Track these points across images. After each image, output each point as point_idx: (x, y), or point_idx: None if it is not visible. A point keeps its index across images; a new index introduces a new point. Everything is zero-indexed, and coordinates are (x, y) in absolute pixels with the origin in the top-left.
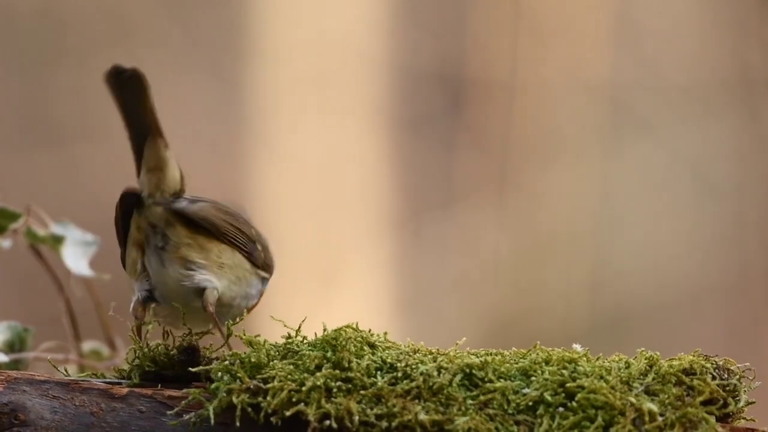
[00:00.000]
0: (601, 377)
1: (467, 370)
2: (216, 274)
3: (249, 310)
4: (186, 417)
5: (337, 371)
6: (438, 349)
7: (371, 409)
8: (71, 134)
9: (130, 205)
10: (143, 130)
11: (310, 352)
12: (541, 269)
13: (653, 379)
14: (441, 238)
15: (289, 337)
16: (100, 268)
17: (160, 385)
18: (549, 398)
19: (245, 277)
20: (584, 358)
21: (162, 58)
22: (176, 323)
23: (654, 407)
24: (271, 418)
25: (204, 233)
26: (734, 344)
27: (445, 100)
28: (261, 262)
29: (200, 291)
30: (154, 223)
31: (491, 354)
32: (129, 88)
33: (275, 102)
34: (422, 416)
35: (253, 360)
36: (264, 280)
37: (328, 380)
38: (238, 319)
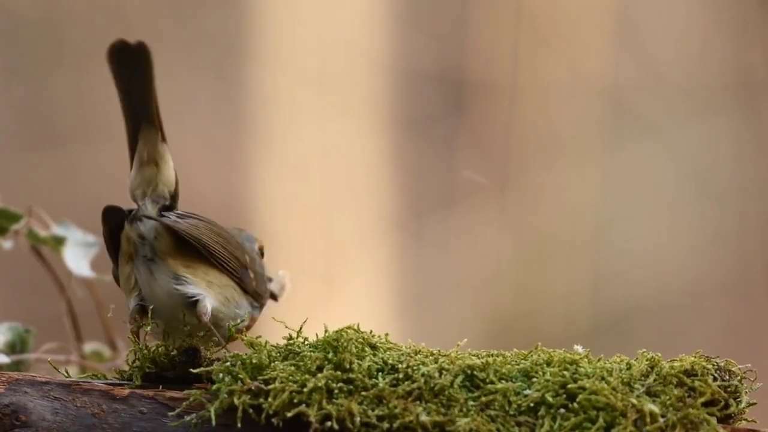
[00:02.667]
0: (603, 378)
1: (468, 372)
2: (205, 289)
3: (240, 332)
4: (187, 418)
5: (339, 372)
6: (439, 351)
7: (372, 410)
8: (72, 135)
9: (114, 221)
10: (141, 116)
11: (312, 353)
12: (543, 270)
13: (654, 380)
14: (442, 239)
15: (290, 338)
16: (101, 269)
17: (161, 387)
18: (550, 399)
19: (233, 298)
20: (585, 360)
21: (163, 58)
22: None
23: (655, 408)
24: (273, 420)
25: (193, 251)
26: (735, 345)
27: (446, 100)
28: (251, 290)
29: (192, 303)
30: (143, 234)
31: (493, 355)
32: (132, 65)
33: (276, 102)
34: (423, 417)
35: (254, 361)
36: (254, 306)
37: (330, 381)
38: (241, 328)
